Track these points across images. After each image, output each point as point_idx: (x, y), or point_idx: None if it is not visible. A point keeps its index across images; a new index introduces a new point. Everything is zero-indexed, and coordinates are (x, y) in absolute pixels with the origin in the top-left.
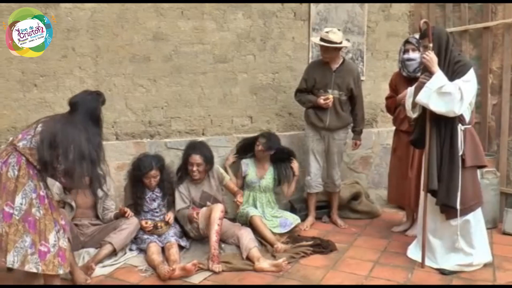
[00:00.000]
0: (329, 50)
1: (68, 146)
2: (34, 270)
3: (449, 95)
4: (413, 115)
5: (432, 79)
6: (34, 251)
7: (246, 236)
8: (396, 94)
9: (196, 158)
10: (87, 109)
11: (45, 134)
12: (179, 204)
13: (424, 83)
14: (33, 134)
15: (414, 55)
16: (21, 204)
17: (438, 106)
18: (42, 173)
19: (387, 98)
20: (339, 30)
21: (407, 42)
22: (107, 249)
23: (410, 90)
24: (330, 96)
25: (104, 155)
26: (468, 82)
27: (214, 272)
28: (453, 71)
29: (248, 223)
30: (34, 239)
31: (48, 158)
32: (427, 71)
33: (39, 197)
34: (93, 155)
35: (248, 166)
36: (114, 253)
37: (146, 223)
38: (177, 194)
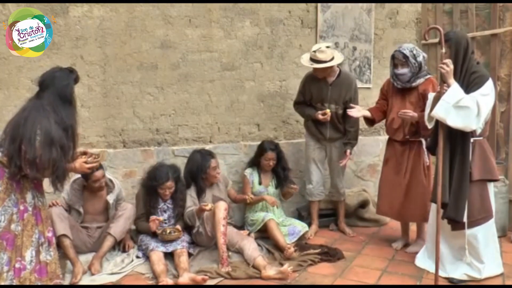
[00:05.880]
0: (319, 69)
1: (32, 133)
2: None
3: (467, 109)
4: (430, 126)
5: (448, 92)
6: (9, 268)
7: (249, 246)
8: (386, 100)
9: (215, 162)
10: (56, 88)
11: (8, 128)
12: (189, 206)
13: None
14: (4, 138)
15: (403, 70)
16: (0, 221)
17: (455, 121)
18: (15, 175)
19: (376, 103)
20: (327, 47)
21: (393, 57)
22: (108, 240)
23: (430, 99)
24: (328, 111)
25: (77, 140)
26: (486, 96)
27: (226, 276)
28: (469, 82)
29: (263, 227)
30: (11, 256)
31: (12, 151)
32: (444, 82)
33: (19, 212)
34: (63, 141)
35: (253, 176)
36: (116, 242)
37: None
38: (188, 198)
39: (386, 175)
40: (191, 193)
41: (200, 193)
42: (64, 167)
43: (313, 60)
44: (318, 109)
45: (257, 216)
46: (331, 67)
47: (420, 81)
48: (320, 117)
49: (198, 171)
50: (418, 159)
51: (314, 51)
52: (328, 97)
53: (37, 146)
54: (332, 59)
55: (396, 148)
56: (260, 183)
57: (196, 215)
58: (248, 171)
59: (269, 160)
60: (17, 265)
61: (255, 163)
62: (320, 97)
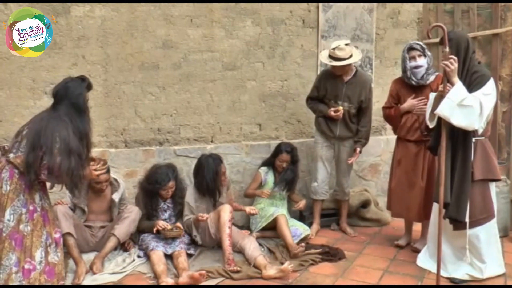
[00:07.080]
0: (338, 66)
1: (53, 142)
2: None
3: (470, 108)
4: (431, 125)
5: (453, 90)
6: (18, 269)
7: (250, 246)
8: (399, 102)
9: (224, 167)
10: (70, 99)
11: (29, 135)
12: (187, 215)
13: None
14: (20, 140)
15: (421, 61)
16: (9, 220)
17: (459, 119)
18: (32, 182)
19: (386, 108)
20: (346, 44)
21: (411, 49)
22: (112, 241)
23: (431, 98)
24: (340, 108)
25: (91, 147)
26: (488, 96)
27: (232, 274)
28: (471, 82)
29: (271, 223)
30: (20, 256)
31: (31, 159)
32: (448, 81)
33: (29, 212)
34: (80, 150)
35: (268, 175)
36: (119, 244)
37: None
38: (186, 206)
39: (400, 177)
40: (188, 201)
41: (197, 198)
42: (81, 175)
43: (332, 57)
44: (330, 106)
45: (266, 211)
46: (349, 64)
47: (431, 78)
48: (333, 113)
49: (214, 177)
50: (433, 159)
51: (333, 49)
52: (342, 95)
53: (56, 154)
54: (351, 56)
55: (409, 149)
56: (275, 183)
57: (193, 225)
58: (263, 169)
59: (283, 161)
60: (26, 266)
61: (270, 162)
62: (334, 94)
